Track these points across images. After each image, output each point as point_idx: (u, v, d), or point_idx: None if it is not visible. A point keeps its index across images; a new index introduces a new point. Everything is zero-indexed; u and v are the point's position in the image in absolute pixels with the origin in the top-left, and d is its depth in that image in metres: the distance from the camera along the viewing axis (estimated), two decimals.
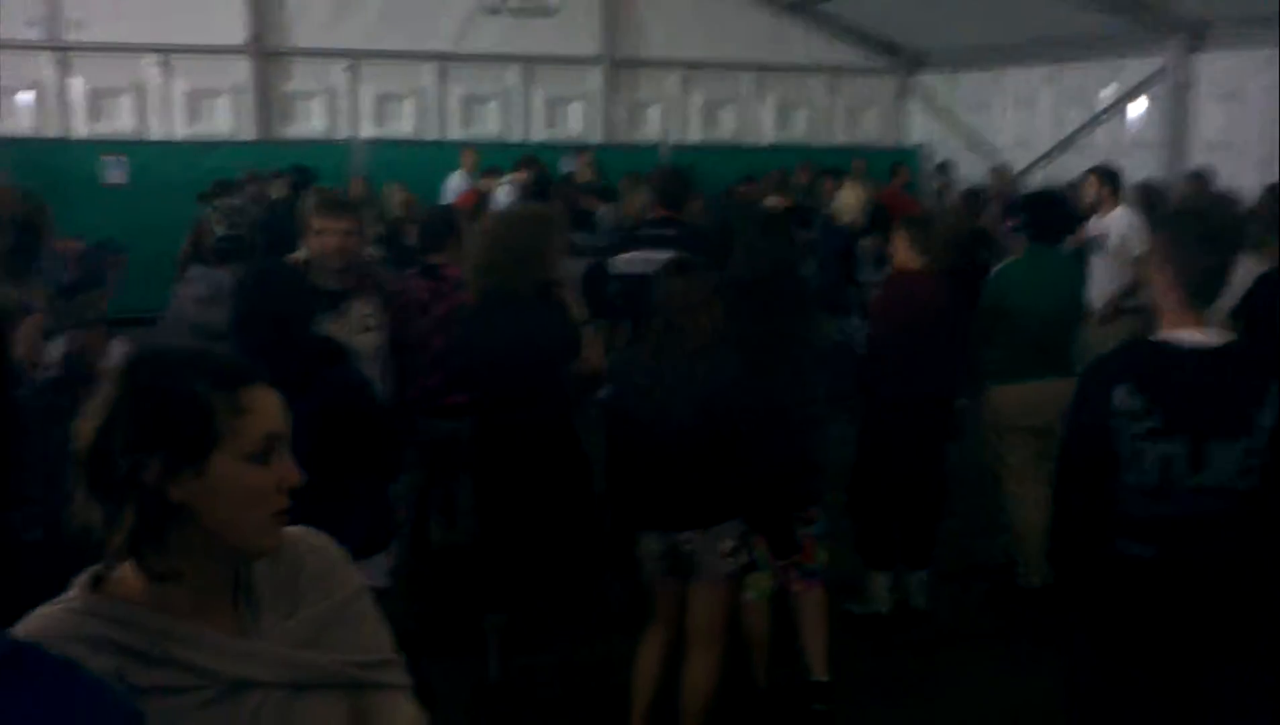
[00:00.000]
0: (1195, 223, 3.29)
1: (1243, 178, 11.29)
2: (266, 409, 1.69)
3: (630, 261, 6.07)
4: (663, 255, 5.10)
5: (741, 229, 4.97)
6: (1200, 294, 3.12)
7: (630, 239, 6.44)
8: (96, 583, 1.66)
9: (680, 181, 6.53)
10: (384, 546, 3.94)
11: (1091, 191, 8.45)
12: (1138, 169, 13.08)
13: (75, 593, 1.65)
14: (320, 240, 4.67)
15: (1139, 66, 13.66)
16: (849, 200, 9.59)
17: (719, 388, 4.10)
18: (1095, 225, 8.22)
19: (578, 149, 14.06)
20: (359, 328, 4.67)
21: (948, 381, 5.66)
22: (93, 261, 5.50)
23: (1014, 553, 6.13)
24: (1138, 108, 14.00)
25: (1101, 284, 7.72)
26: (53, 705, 0.92)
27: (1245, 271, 5.44)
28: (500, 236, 4.66)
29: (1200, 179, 11.22)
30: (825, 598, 4.90)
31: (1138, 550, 3.10)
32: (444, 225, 5.77)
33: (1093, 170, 8.66)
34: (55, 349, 4.29)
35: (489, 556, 4.85)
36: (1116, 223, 8.15)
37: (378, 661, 1.83)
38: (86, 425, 1.63)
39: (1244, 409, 3.03)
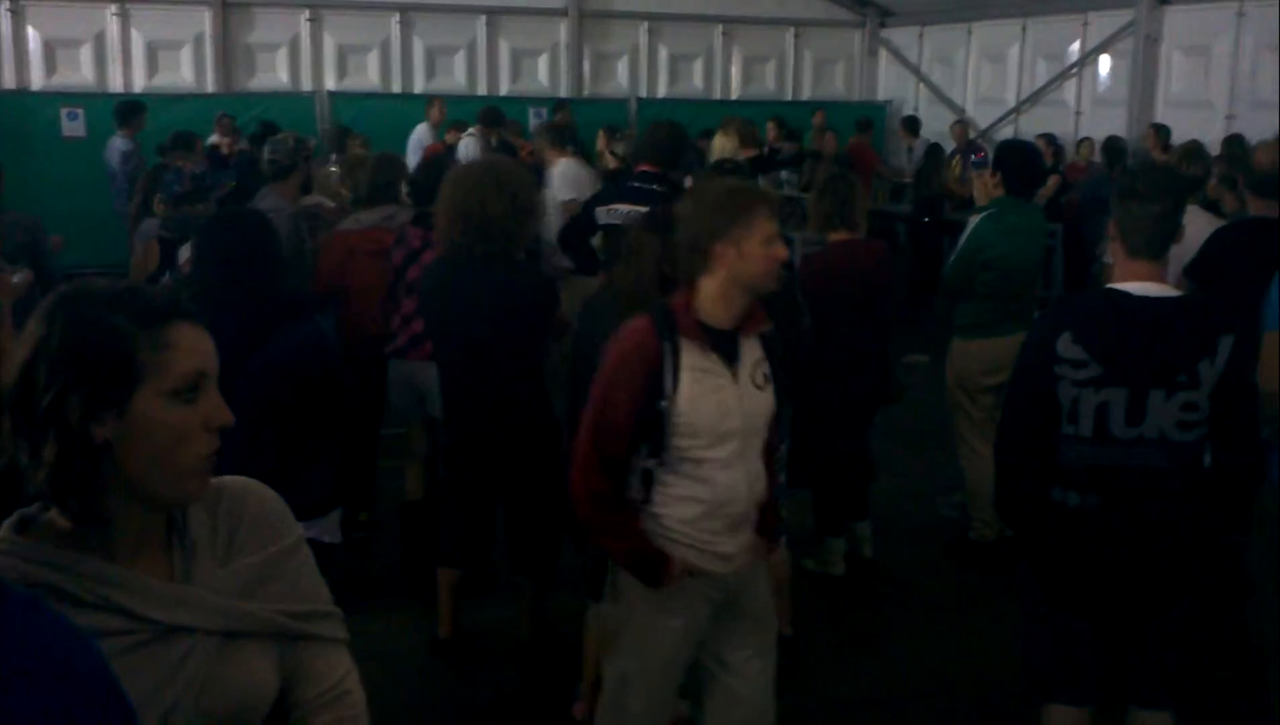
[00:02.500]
0: (1129, 176, 3.33)
1: (1207, 134, 11.35)
2: (193, 346, 1.65)
3: (613, 213, 6.03)
4: (645, 209, 5.06)
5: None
6: (1142, 245, 3.13)
7: (616, 191, 6.39)
8: (23, 525, 1.63)
9: (674, 139, 6.47)
10: (337, 505, 3.92)
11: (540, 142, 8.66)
12: (1105, 124, 13.15)
13: (0, 534, 1.62)
14: (769, 251, 3.15)
15: (1108, 20, 13.63)
16: (720, 145, 9.58)
17: None
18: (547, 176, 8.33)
19: (555, 102, 13.97)
20: (757, 379, 3.26)
21: (878, 349, 5.62)
22: (201, 181, 5.97)
23: (968, 508, 6.16)
24: (1106, 63, 13.99)
25: None
26: (22, 638, 0.89)
27: (1203, 227, 5.48)
28: (465, 193, 4.48)
29: (1158, 132, 11.28)
30: (787, 557, 4.90)
31: (1075, 500, 3.13)
32: (436, 178, 5.80)
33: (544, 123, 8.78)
34: (185, 252, 5.13)
35: (446, 511, 4.84)
36: (560, 172, 8.28)
37: (312, 613, 1.81)
38: (12, 361, 1.60)
39: (1188, 361, 3.04)
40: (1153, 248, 3.14)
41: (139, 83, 14.32)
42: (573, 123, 12.72)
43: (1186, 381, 3.04)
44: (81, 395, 1.56)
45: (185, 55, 14.52)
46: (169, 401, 1.61)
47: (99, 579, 1.60)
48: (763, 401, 3.26)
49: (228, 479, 1.78)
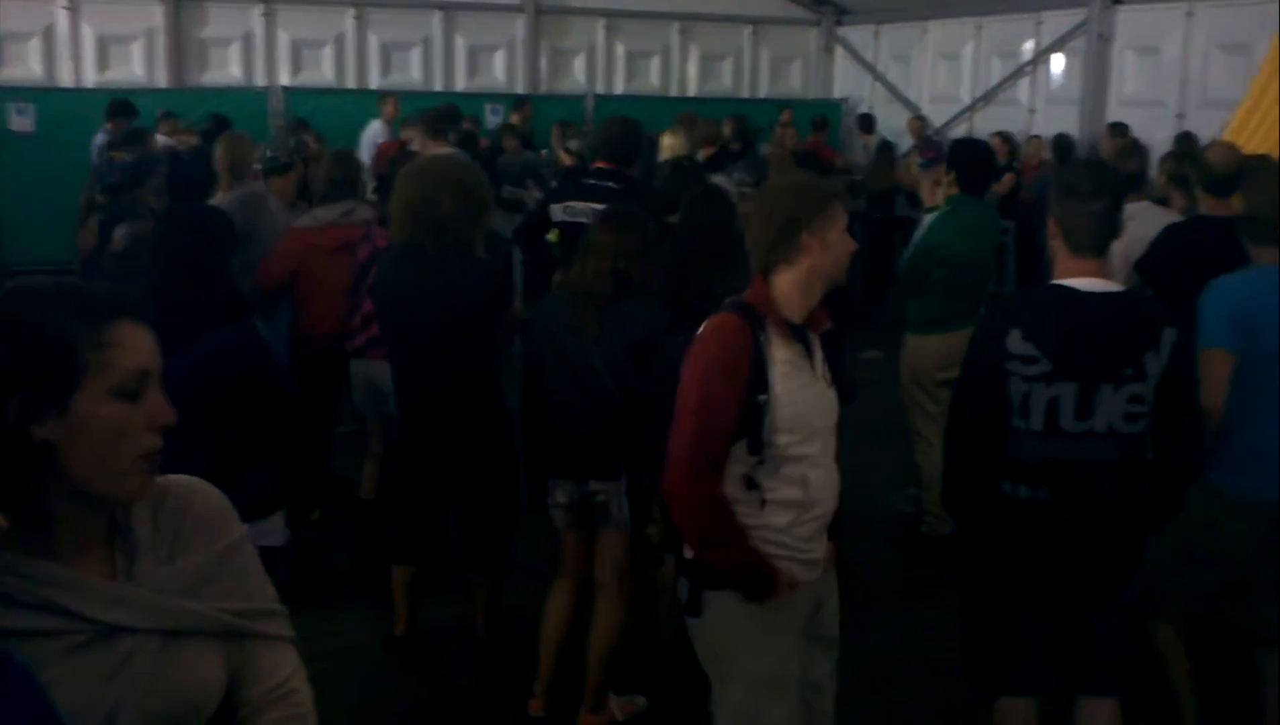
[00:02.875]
0: (1068, 174, 3.38)
1: (1158, 132, 11.49)
2: (135, 344, 1.63)
3: (570, 210, 6.02)
4: (601, 207, 5.05)
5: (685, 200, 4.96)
6: (1084, 242, 3.17)
7: (573, 188, 6.36)
8: None
9: (630, 136, 6.46)
10: (278, 507, 3.89)
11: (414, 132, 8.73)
12: (1058, 123, 13.27)
13: None
14: (845, 242, 3.11)
15: (1061, 20, 13.75)
16: (669, 143, 9.60)
17: (633, 340, 4.07)
18: None
19: (515, 99, 13.93)
20: (826, 377, 3.18)
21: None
22: (134, 169, 6.11)
23: (923, 502, 6.20)
24: (1059, 61, 14.11)
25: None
26: None
27: (1155, 222, 5.55)
28: (417, 190, 4.46)
29: (1116, 130, 11.39)
30: None
31: (1026, 493, 3.16)
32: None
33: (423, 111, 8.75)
34: (120, 232, 5.45)
35: (400, 508, 4.82)
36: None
37: (257, 611, 1.80)
38: None
39: (1134, 354, 3.08)
40: (1095, 244, 3.18)
41: (90, 78, 14.13)
42: (529, 119, 12.77)
43: (1133, 374, 3.08)
44: (21, 396, 1.54)
45: (136, 50, 14.34)
46: (111, 400, 1.59)
47: (39, 579, 1.58)
48: (834, 399, 3.18)
49: (172, 477, 1.76)
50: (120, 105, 11.28)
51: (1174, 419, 3.17)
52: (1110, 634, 3.31)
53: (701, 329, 3.08)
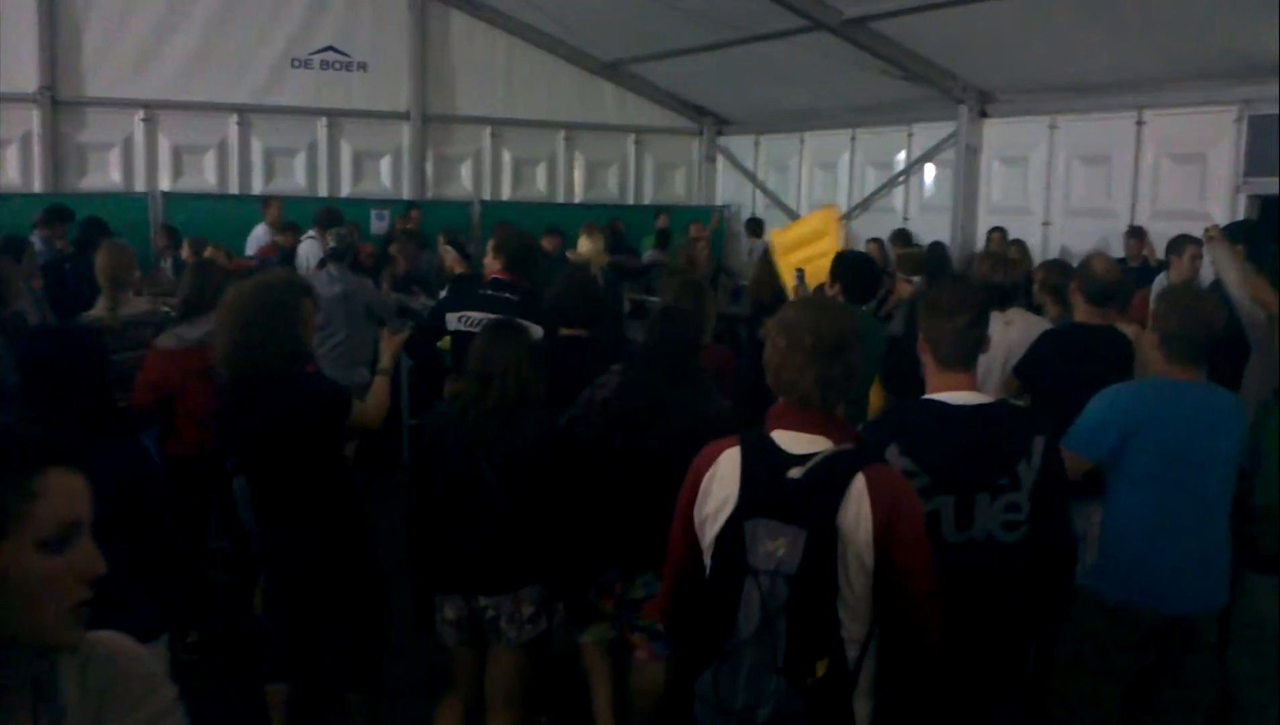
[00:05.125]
0: (932, 291, 3.51)
1: (1028, 239, 11.97)
2: (64, 493, 1.59)
3: (467, 320, 6.00)
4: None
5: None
6: (951, 357, 3.27)
7: (470, 297, 6.34)
8: None
9: (529, 248, 6.52)
10: (163, 631, 3.75)
11: None
12: (932, 229, 13.71)
13: None
14: None
15: (931, 131, 14.27)
16: (584, 250, 9.73)
17: (523, 450, 4.06)
18: None
19: (406, 205, 13.93)
20: None
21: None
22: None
23: None
24: (931, 171, 14.61)
25: None
26: None
27: (1029, 330, 5.74)
28: (238, 315, 4.33)
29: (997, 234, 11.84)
30: (663, 675, 4.52)
31: None
32: None
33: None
34: None
35: (269, 624, 4.67)
36: None
37: None
38: None
39: (1008, 464, 3.16)
40: (961, 358, 3.29)
41: None
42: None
43: (1008, 484, 3.16)
44: None
45: (11, 154, 14.03)
46: (37, 552, 1.55)
47: None
48: None
49: (101, 634, 1.71)
50: (57, 211, 10.99)
51: (1047, 524, 3.25)
52: None
53: (888, 486, 2.74)
